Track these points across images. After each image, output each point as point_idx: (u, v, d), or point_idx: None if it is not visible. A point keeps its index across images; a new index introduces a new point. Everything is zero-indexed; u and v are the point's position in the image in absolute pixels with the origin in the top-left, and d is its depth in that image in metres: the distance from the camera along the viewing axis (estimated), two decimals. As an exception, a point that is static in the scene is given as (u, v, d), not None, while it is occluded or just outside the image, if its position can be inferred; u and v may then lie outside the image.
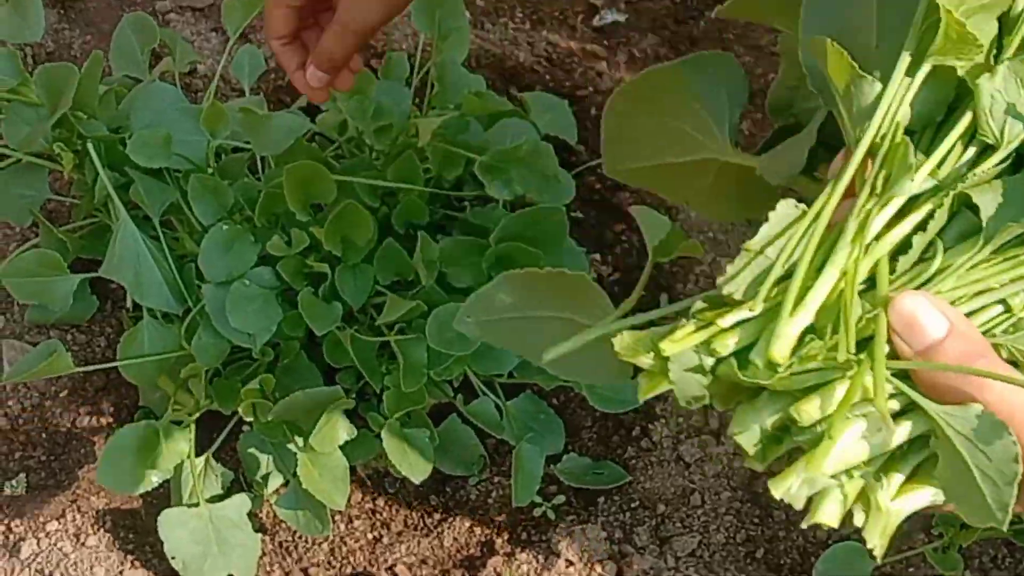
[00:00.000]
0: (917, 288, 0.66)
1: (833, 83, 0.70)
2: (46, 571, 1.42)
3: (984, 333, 0.66)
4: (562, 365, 0.72)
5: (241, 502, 1.42)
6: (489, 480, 1.53)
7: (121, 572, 1.43)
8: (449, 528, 1.50)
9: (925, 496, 0.65)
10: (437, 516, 1.51)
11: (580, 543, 1.44)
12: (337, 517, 1.49)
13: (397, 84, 1.47)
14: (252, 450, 1.49)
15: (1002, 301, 0.66)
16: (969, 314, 0.66)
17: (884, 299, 0.64)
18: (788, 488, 0.63)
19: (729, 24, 1.94)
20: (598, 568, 1.42)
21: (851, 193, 0.68)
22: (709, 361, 0.65)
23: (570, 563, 1.43)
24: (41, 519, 1.45)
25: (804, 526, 0.65)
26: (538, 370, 1.40)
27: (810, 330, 0.64)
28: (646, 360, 0.65)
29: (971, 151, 0.68)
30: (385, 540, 1.49)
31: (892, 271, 0.66)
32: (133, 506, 1.50)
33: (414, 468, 1.42)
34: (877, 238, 0.66)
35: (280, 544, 1.49)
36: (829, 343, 0.63)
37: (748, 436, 0.65)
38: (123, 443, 1.37)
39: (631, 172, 0.89)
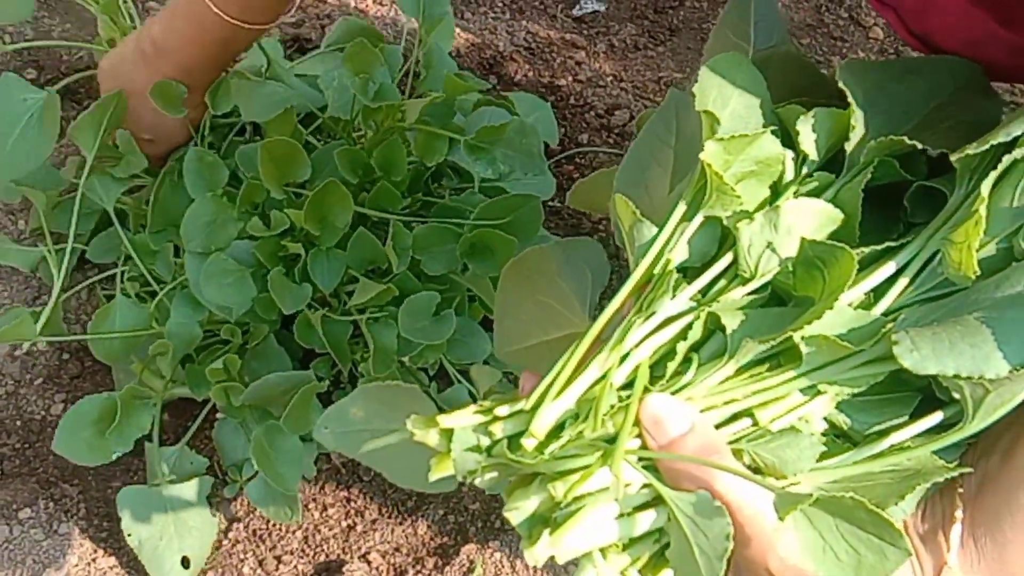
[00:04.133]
0: (673, 394, 0.78)
1: (622, 226, 0.84)
2: (18, 559, 1.44)
3: (733, 442, 0.77)
4: (398, 473, 0.86)
5: (200, 485, 1.45)
6: (463, 468, 1.52)
7: (94, 560, 1.46)
8: (423, 516, 1.51)
9: None
10: (411, 504, 1.52)
11: (552, 530, 1.42)
12: (311, 505, 1.51)
13: (389, 72, 1.47)
14: (226, 437, 1.50)
15: (751, 415, 0.78)
16: (720, 424, 0.78)
17: (639, 397, 0.76)
18: (534, 551, 0.74)
19: (709, 13, 1.94)
20: (570, 555, 1.41)
21: None
22: (487, 441, 0.77)
23: (543, 550, 1.41)
24: (14, 507, 1.47)
25: None
26: (514, 359, 1.39)
27: (575, 420, 0.77)
28: (432, 437, 0.77)
29: (735, 284, 0.81)
30: (359, 528, 1.50)
31: (655, 379, 0.79)
32: (106, 494, 1.51)
33: (388, 456, 1.40)
34: (639, 345, 0.79)
35: (253, 532, 1.50)
36: (581, 426, 0.76)
37: (517, 514, 0.76)
38: (83, 414, 1.42)
39: (517, 353, 0.99)
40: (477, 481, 0.77)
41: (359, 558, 1.50)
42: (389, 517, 1.55)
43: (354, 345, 1.51)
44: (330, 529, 1.54)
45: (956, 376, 0.68)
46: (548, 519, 0.75)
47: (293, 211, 1.44)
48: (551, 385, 0.77)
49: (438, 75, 1.62)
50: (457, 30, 1.89)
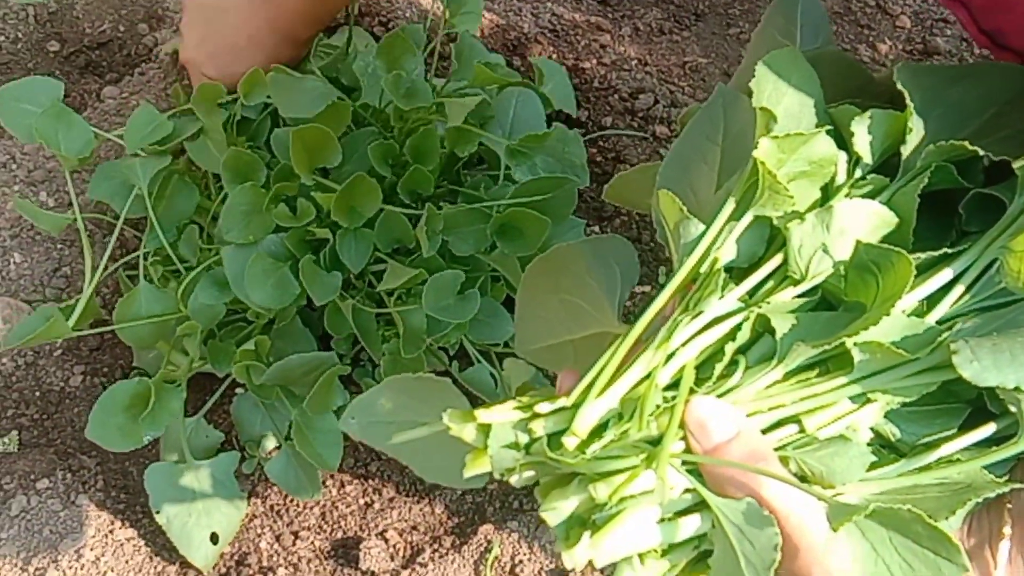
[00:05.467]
0: (719, 397, 0.76)
1: (666, 223, 0.83)
2: (35, 528, 1.43)
3: (779, 448, 0.76)
4: (425, 467, 0.84)
5: (229, 461, 1.46)
6: (482, 448, 1.52)
7: (111, 531, 1.45)
8: (441, 495, 1.50)
9: None
10: (429, 483, 1.50)
11: (571, 513, 1.42)
12: (329, 482, 1.50)
13: (417, 59, 1.46)
14: (245, 412, 1.49)
15: (797, 421, 0.76)
16: (767, 429, 0.76)
17: (685, 398, 0.74)
18: (573, 554, 0.72)
19: (735, -1, 1.93)
20: (588, 538, 1.41)
21: None
22: (525, 438, 0.75)
23: (561, 532, 1.42)
24: (32, 477, 1.46)
25: None
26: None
27: (618, 420, 0.75)
28: (470, 432, 0.75)
29: (784, 285, 0.80)
30: (377, 506, 1.50)
31: (701, 380, 0.77)
32: (124, 466, 1.51)
33: (407, 435, 1.40)
34: (685, 344, 0.77)
35: (271, 507, 1.50)
36: (626, 425, 0.74)
37: (555, 515, 0.75)
38: (115, 399, 1.40)
39: (540, 352, 0.97)
40: (513, 479, 0.76)
41: (376, 535, 1.50)
42: (407, 495, 1.55)
43: (378, 325, 1.50)
44: (347, 506, 1.54)
45: (1016, 389, 0.67)
46: (586, 521, 0.73)
47: (321, 195, 1.43)
48: (593, 383, 0.75)
49: (469, 65, 1.59)
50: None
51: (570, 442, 0.74)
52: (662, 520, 0.73)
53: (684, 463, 0.74)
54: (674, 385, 0.76)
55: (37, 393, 1.56)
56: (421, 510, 1.53)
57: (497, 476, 0.75)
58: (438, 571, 1.44)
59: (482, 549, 1.46)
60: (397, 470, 1.56)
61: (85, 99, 1.80)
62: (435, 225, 1.43)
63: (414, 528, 1.52)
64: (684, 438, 0.74)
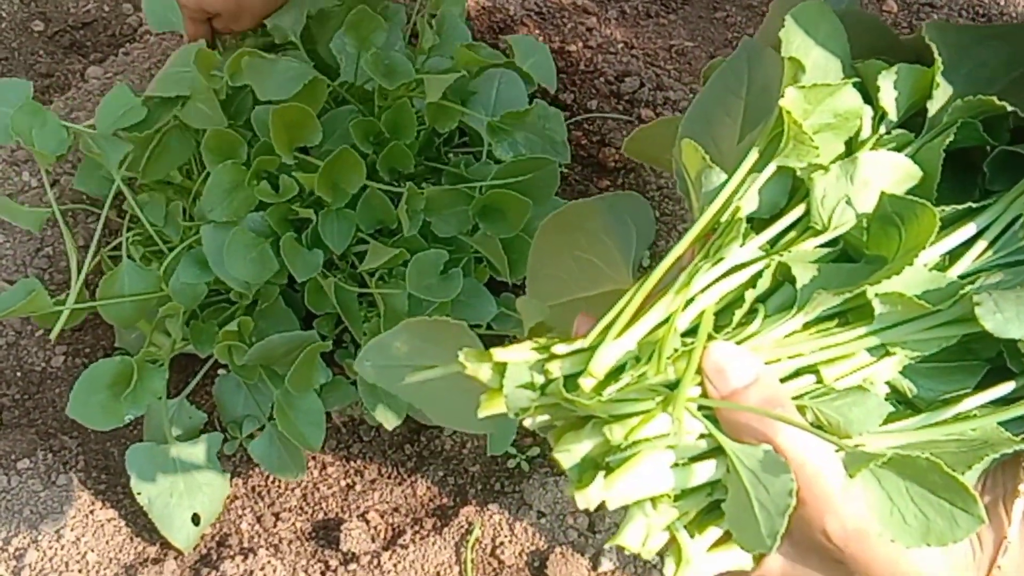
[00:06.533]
0: (737, 344, 0.76)
1: (687, 172, 0.82)
2: (15, 509, 1.43)
3: (797, 398, 0.75)
4: (438, 411, 0.83)
5: (210, 442, 1.44)
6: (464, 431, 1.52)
7: (92, 512, 1.45)
8: (423, 477, 1.50)
9: (736, 556, 0.74)
10: (411, 465, 1.51)
11: (552, 494, 1.44)
12: (311, 463, 1.50)
13: (396, 38, 1.45)
14: (227, 393, 1.49)
15: (815, 372, 0.76)
16: (785, 378, 0.76)
17: (703, 343, 0.74)
18: (586, 494, 0.71)
19: (722, -18, 1.92)
20: (569, 519, 1.43)
21: None
22: (541, 379, 0.74)
23: (542, 514, 1.43)
24: (12, 457, 1.46)
25: (607, 546, 0.70)
26: (517, 322, 1.39)
27: (635, 363, 0.74)
28: (485, 371, 0.73)
29: (805, 236, 0.79)
30: (358, 487, 1.49)
31: (720, 327, 0.76)
32: (105, 447, 1.50)
33: (389, 416, 1.42)
34: (704, 291, 0.76)
35: (253, 488, 1.49)
36: (643, 368, 0.73)
37: (568, 456, 0.74)
38: (96, 377, 1.39)
39: (551, 311, 0.95)
40: (527, 422, 0.74)
41: (357, 517, 1.50)
42: (388, 477, 1.54)
43: (360, 306, 1.49)
44: (329, 488, 1.53)
45: None
46: (600, 464, 0.73)
47: (304, 175, 1.43)
48: (611, 325, 0.74)
49: (451, 44, 1.60)
50: (469, -8, 1.87)
51: (586, 383, 0.72)
52: (676, 465, 0.73)
53: (700, 408, 0.73)
54: (692, 331, 0.75)
55: (18, 373, 1.56)
56: (403, 492, 1.52)
57: (512, 416, 0.74)
58: (419, 553, 1.44)
59: (463, 531, 1.46)
60: (379, 452, 1.56)
61: (69, 79, 1.79)
62: (416, 205, 1.42)
63: (395, 510, 1.51)
64: (701, 383, 0.74)
